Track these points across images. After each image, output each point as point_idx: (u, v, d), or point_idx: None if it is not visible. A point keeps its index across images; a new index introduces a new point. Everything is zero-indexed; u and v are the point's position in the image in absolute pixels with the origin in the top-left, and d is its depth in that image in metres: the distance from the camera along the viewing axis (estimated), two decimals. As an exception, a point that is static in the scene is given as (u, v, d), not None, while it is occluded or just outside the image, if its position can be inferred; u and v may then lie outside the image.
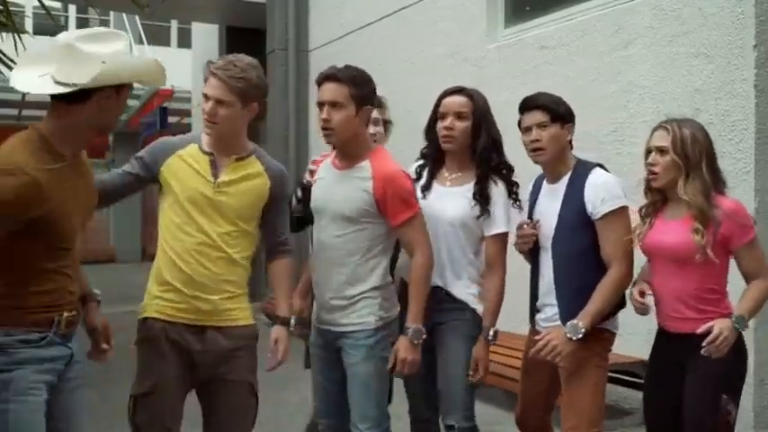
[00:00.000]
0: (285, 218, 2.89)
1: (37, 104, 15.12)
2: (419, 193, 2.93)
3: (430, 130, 3.00)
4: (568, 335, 2.66)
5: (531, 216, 2.91)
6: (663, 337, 2.79)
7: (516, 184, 2.96)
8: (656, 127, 2.74)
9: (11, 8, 6.22)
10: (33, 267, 2.14)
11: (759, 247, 2.65)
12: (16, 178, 2.01)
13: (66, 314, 2.21)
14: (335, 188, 2.83)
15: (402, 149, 3.17)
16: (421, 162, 3.09)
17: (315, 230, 2.91)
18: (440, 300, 2.91)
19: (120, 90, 2.21)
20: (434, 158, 3.02)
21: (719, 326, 2.51)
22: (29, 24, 14.01)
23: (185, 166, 2.64)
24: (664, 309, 2.74)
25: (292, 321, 2.86)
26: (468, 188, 2.91)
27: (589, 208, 2.72)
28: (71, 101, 2.14)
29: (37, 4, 6.64)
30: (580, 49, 5.23)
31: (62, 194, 2.13)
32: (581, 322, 2.66)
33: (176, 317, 2.60)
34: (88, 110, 2.16)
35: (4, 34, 6.19)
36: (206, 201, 2.61)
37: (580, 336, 2.65)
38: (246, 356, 2.71)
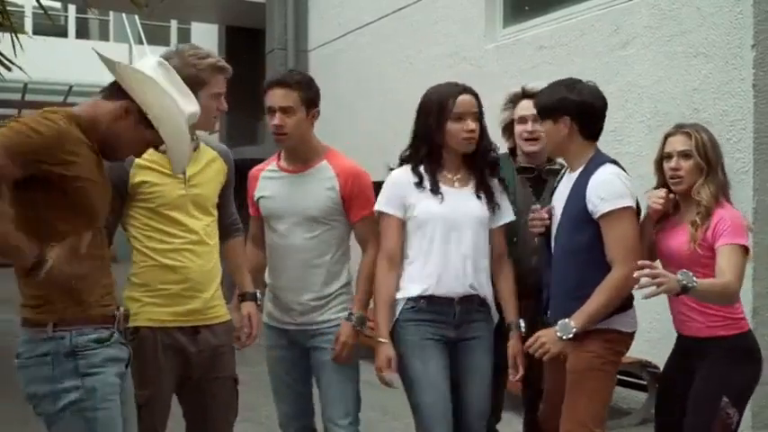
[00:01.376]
0: (232, 197, 2.92)
1: (37, 105, 15.13)
2: (431, 197, 2.78)
3: (440, 130, 2.78)
4: (558, 334, 2.61)
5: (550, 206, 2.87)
6: (677, 341, 2.79)
7: (503, 178, 2.95)
8: (671, 132, 2.75)
9: (10, 8, 6.22)
10: (82, 250, 2.06)
11: (738, 256, 2.54)
12: (49, 122, 1.97)
13: (122, 309, 2.22)
14: (297, 190, 2.83)
15: (400, 149, 3.15)
16: (407, 164, 2.88)
17: (274, 236, 2.90)
18: (470, 310, 2.80)
19: (142, 120, 2.11)
20: (434, 160, 2.82)
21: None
22: (28, 24, 14.02)
23: (150, 171, 2.56)
24: (673, 311, 2.74)
25: (259, 296, 2.91)
26: (473, 186, 2.84)
27: (589, 206, 2.65)
28: (106, 95, 2.14)
29: (36, 3, 6.64)
30: (578, 50, 5.23)
31: (89, 169, 2.06)
32: (573, 321, 2.60)
33: (170, 321, 2.56)
34: (113, 116, 2.12)
35: (2, 34, 6.20)
36: (183, 199, 2.59)
37: (570, 335, 2.59)
38: (229, 352, 2.74)
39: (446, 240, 2.75)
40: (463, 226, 2.77)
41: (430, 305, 2.76)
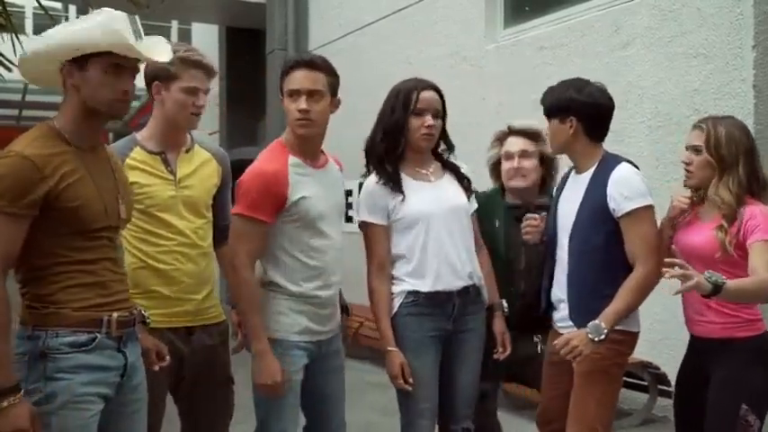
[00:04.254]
0: (229, 200, 2.83)
1: (37, 105, 15.14)
2: (412, 195, 2.75)
3: (402, 127, 2.75)
4: (590, 335, 2.56)
5: (556, 207, 2.84)
6: (690, 343, 2.72)
7: None
8: (693, 125, 2.70)
9: (10, 9, 6.21)
10: (64, 256, 2.03)
11: None
12: (7, 159, 1.97)
13: (116, 314, 2.09)
14: (331, 187, 2.72)
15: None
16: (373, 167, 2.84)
17: (317, 240, 2.64)
18: (467, 302, 2.79)
19: (85, 66, 2.06)
20: (400, 156, 2.79)
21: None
22: (29, 25, 14.03)
23: (139, 172, 2.54)
24: (690, 312, 2.67)
25: None
26: (449, 178, 2.87)
27: (611, 204, 2.62)
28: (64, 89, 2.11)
29: (37, 4, 6.64)
30: (579, 50, 5.23)
31: (73, 176, 2.03)
32: (603, 322, 2.56)
33: (163, 322, 2.52)
34: (69, 92, 2.10)
35: (3, 35, 6.19)
36: (173, 201, 2.57)
37: (603, 337, 2.55)
38: (224, 352, 2.73)
39: (439, 235, 2.74)
40: (451, 217, 2.78)
41: (430, 300, 2.74)
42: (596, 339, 2.56)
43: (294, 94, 2.54)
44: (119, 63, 2.09)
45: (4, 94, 13.54)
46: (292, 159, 2.61)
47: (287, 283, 2.60)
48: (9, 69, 6.28)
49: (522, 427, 4.31)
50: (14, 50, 6.03)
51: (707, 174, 2.59)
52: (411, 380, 2.68)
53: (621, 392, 4.72)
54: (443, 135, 2.87)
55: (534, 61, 5.57)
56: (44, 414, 1.97)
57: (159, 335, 2.48)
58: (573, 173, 2.85)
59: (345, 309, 2.91)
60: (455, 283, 2.76)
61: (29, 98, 14.39)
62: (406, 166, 2.79)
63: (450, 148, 2.91)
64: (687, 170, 2.64)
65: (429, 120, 2.74)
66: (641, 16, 4.79)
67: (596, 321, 2.57)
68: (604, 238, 2.65)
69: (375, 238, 2.77)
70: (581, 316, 2.67)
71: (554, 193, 2.93)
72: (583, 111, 2.70)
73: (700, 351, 2.68)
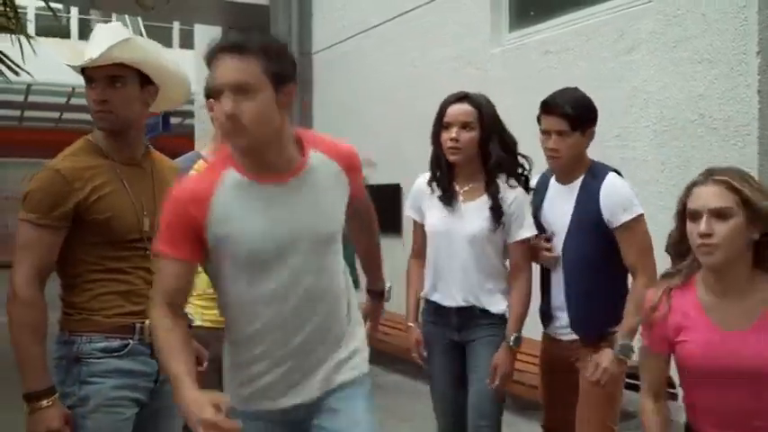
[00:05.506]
0: None
1: (38, 106, 15.14)
2: (435, 209, 2.85)
3: (435, 140, 2.87)
4: (621, 356, 2.61)
5: (536, 215, 2.85)
6: None
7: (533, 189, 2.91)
8: (698, 181, 1.94)
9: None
10: (97, 265, 2.09)
11: None
12: (42, 173, 2.06)
13: (148, 321, 2.06)
14: (301, 207, 1.87)
15: (406, 154, 3.18)
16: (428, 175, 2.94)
17: (253, 283, 1.86)
18: (472, 317, 2.84)
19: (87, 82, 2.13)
20: (441, 169, 2.87)
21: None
22: (31, 27, 14.04)
23: None
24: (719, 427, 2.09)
25: None
26: (483, 200, 2.80)
27: (606, 215, 2.65)
28: None
29: (39, 4, 6.66)
30: (584, 54, 5.25)
31: (105, 189, 2.08)
32: (628, 340, 2.59)
33: (216, 322, 2.55)
34: None
35: (10, 37, 6.21)
36: None
37: (633, 355, 2.58)
38: None
39: (441, 253, 2.84)
40: (458, 241, 2.80)
41: (433, 308, 2.91)
42: (626, 357, 2.62)
43: (217, 94, 1.75)
44: (87, 75, 2.13)
45: (8, 95, 13.57)
46: (229, 175, 1.82)
47: (228, 342, 1.97)
48: (16, 73, 6.30)
49: (523, 427, 4.34)
50: (22, 54, 6.06)
51: (737, 246, 1.88)
52: (425, 354, 2.92)
53: (627, 395, 4.73)
54: (495, 152, 2.77)
55: (539, 65, 5.60)
56: (78, 417, 2.04)
57: (213, 334, 2.54)
58: (552, 180, 2.85)
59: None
60: (448, 301, 2.86)
61: (31, 99, 14.41)
62: (449, 178, 2.88)
63: (501, 166, 2.79)
64: (707, 244, 1.87)
65: (452, 133, 2.77)
66: (646, 21, 4.81)
67: (625, 341, 2.60)
68: (601, 246, 2.68)
69: (414, 228, 3.01)
70: (584, 329, 2.73)
71: (531, 201, 2.88)
72: (596, 119, 2.78)
73: None
